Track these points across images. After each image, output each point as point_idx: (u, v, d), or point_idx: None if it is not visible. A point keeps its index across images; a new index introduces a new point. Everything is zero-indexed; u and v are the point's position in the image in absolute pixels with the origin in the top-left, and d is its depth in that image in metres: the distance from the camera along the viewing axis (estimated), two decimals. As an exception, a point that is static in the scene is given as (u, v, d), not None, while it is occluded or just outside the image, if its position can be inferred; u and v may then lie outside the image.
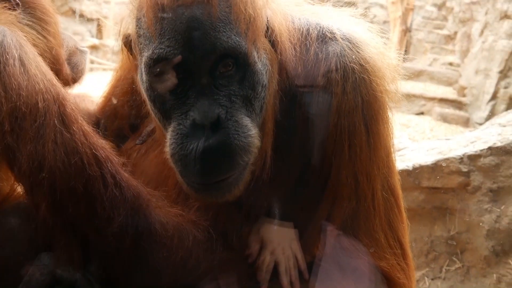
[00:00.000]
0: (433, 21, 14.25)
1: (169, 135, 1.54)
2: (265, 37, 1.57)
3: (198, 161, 1.46)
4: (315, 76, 1.56)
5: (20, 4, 1.81)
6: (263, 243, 1.68)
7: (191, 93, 1.50)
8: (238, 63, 1.50)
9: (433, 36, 13.89)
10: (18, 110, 1.35)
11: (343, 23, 1.69)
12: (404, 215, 1.87)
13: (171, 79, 1.52)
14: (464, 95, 11.29)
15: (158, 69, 1.51)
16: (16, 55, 1.38)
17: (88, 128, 1.48)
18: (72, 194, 1.41)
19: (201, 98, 1.49)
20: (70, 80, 2.07)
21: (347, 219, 1.66)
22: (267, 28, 1.57)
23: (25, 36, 1.73)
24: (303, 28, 1.63)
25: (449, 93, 11.74)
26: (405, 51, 12.66)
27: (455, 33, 13.22)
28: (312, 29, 1.62)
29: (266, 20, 1.56)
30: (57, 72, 1.91)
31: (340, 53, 1.58)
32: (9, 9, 1.74)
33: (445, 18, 14.20)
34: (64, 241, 1.49)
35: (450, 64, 12.90)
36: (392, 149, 1.81)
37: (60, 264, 1.50)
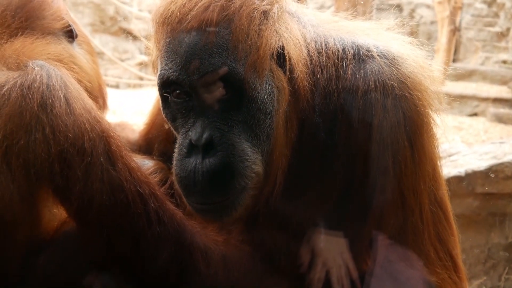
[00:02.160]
0: (484, 19, 13.78)
1: (174, 155, 1.61)
2: (278, 64, 1.57)
3: (194, 182, 1.52)
4: (354, 96, 1.55)
5: (78, 35, 1.93)
6: (314, 253, 1.68)
7: (192, 114, 1.57)
8: (234, 89, 1.53)
9: (484, 34, 13.43)
10: (66, 151, 1.37)
11: (380, 39, 1.67)
12: (454, 227, 1.84)
13: (175, 99, 1.59)
14: (519, 94, 10.85)
15: (163, 89, 1.60)
16: (62, 95, 1.39)
17: (132, 163, 1.50)
18: (119, 231, 1.45)
19: (199, 119, 1.55)
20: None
21: (395, 235, 1.65)
22: (281, 55, 1.57)
23: (78, 65, 1.83)
24: (338, 49, 1.62)
25: (504, 92, 11.28)
26: (455, 51, 12.29)
27: (508, 29, 12.76)
28: (347, 49, 1.61)
29: (279, 47, 1.56)
30: (104, 100, 2.01)
31: (378, 71, 1.56)
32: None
33: (496, 15, 13.71)
34: (116, 269, 1.54)
35: (504, 62, 12.44)
36: (438, 161, 1.78)
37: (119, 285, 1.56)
